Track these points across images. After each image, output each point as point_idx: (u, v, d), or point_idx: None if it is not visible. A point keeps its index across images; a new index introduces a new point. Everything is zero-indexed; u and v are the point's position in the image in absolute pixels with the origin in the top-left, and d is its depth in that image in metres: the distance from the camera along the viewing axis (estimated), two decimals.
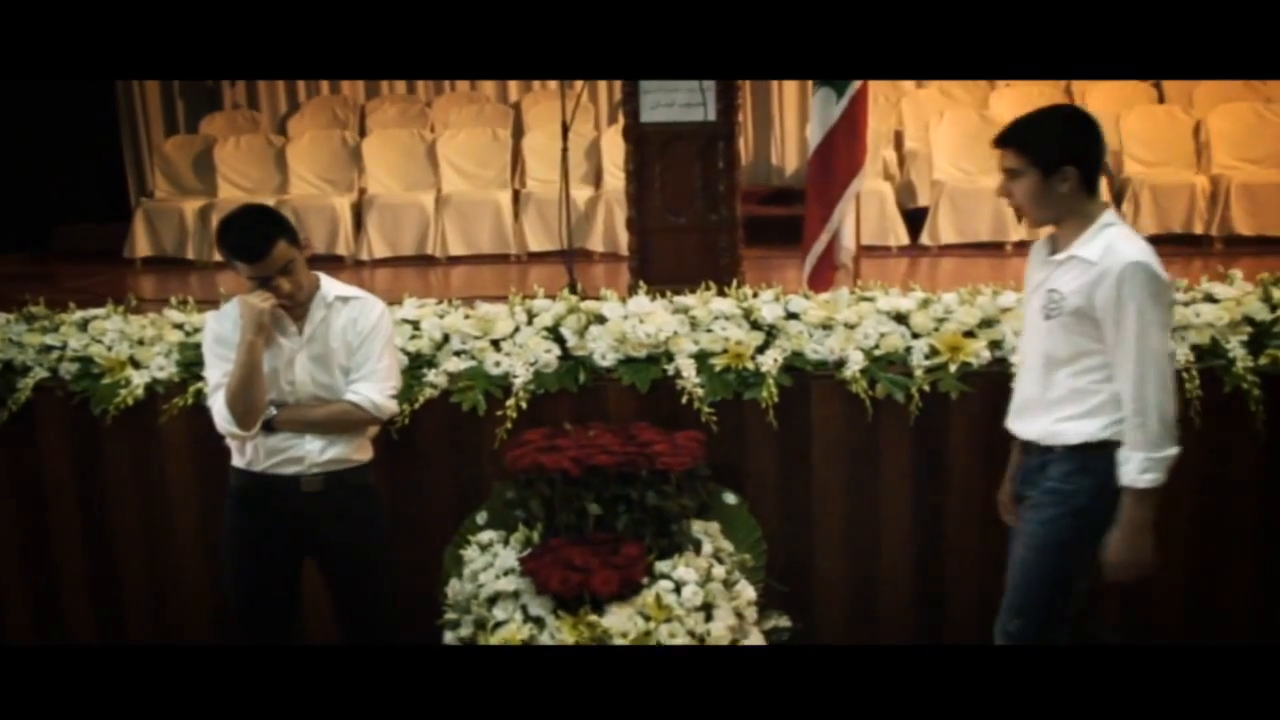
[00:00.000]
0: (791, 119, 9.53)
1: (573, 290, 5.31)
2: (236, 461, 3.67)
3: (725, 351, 4.35)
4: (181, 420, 4.37)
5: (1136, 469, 3.06)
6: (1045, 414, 3.21)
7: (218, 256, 3.59)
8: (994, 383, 4.19)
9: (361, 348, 3.63)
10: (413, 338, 4.47)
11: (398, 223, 8.28)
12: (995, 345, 4.31)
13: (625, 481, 3.95)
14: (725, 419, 4.23)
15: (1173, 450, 3.06)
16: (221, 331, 3.58)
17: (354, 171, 8.66)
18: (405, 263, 8.20)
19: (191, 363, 4.40)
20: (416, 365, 4.39)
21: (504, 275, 7.68)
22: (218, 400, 3.54)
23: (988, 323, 4.39)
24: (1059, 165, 3.06)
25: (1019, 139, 3.13)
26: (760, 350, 4.34)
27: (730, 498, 4.24)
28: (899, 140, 9.03)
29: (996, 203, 7.81)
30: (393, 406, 3.72)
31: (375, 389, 3.63)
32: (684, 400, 4.25)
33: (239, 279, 3.52)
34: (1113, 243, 3.04)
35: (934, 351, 4.25)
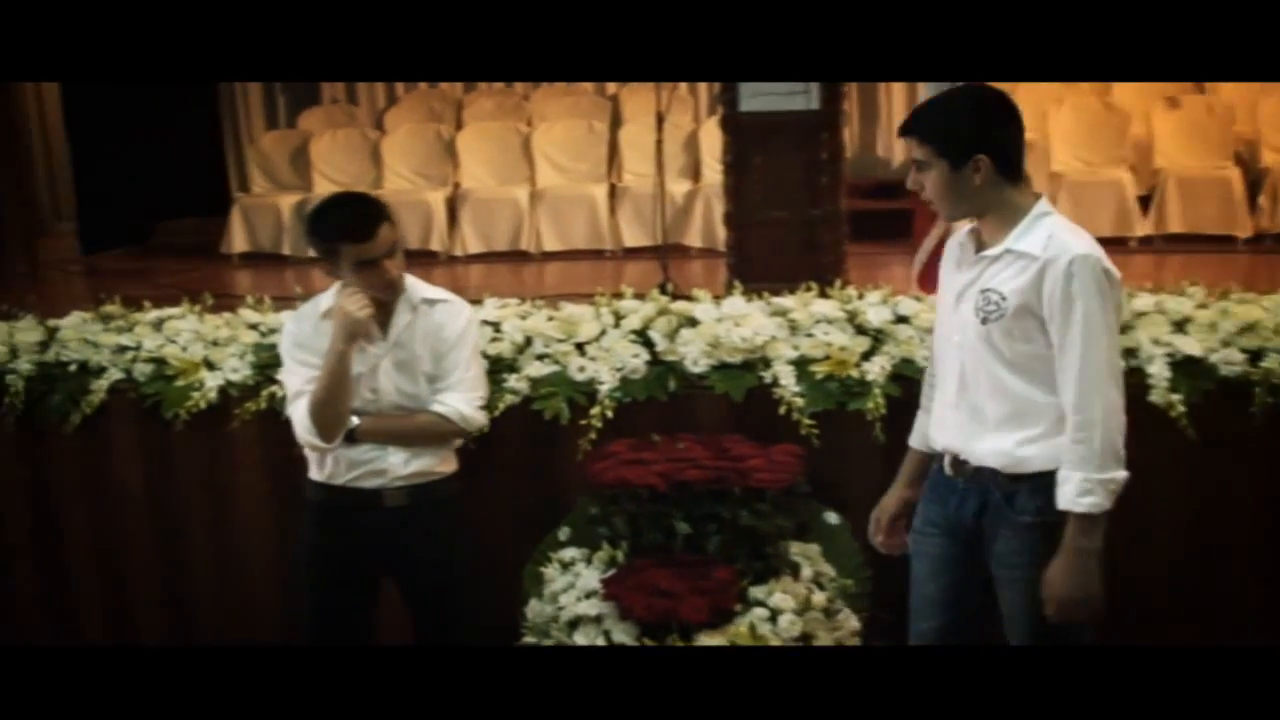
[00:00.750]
0: (900, 107, 9.07)
1: (665, 290, 4.98)
2: (314, 474, 3.41)
3: (827, 358, 4.02)
4: (254, 425, 4.15)
5: (1075, 490, 2.63)
6: (997, 434, 2.76)
7: (313, 252, 3.28)
8: (1130, 396, 3.73)
9: (449, 355, 3.37)
10: (493, 340, 4.17)
11: (492, 218, 8.03)
12: (1130, 353, 3.88)
13: (716, 499, 3.65)
14: (827, 432, 3.90)
15: (1119, 473, 2.65)
16: (301, 334, 3.34)
17: (448, 166, 8.42)
18: (499, 259, 7.95)
19: (266, 364, 4.17)
20: (496, 370, 4.10)
21: (598, 272, 7.40)
22: (299, 409, 3.29)
23: (1122, 328, 3.95)
24: (969, 154, 2.69)
25: (922, 127, 2.75)
26: (866, 357, 4.00)
27: (832, 518, 3.89)
28: None
29: (1120, 196, 7.47)
30: (481, 418, 3.48)
31: (463, 399, 3.38)
32: (781, 411, 3.94)
33: (325, 278, 3.33)
34: (1054, 233, 2.66)
35: None
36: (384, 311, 3.30)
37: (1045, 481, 2.70)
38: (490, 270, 7.67)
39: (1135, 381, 3.84)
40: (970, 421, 2.80)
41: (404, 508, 3.37)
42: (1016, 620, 2.83)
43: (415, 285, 3.38)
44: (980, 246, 2.80)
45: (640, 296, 4.42)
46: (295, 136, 8.83)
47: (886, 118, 9.13)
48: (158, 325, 4.43)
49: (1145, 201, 7.59)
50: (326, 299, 3.35)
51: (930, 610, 2.98)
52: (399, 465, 3.34)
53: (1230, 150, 7.83)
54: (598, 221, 7.96)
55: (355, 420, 3.30)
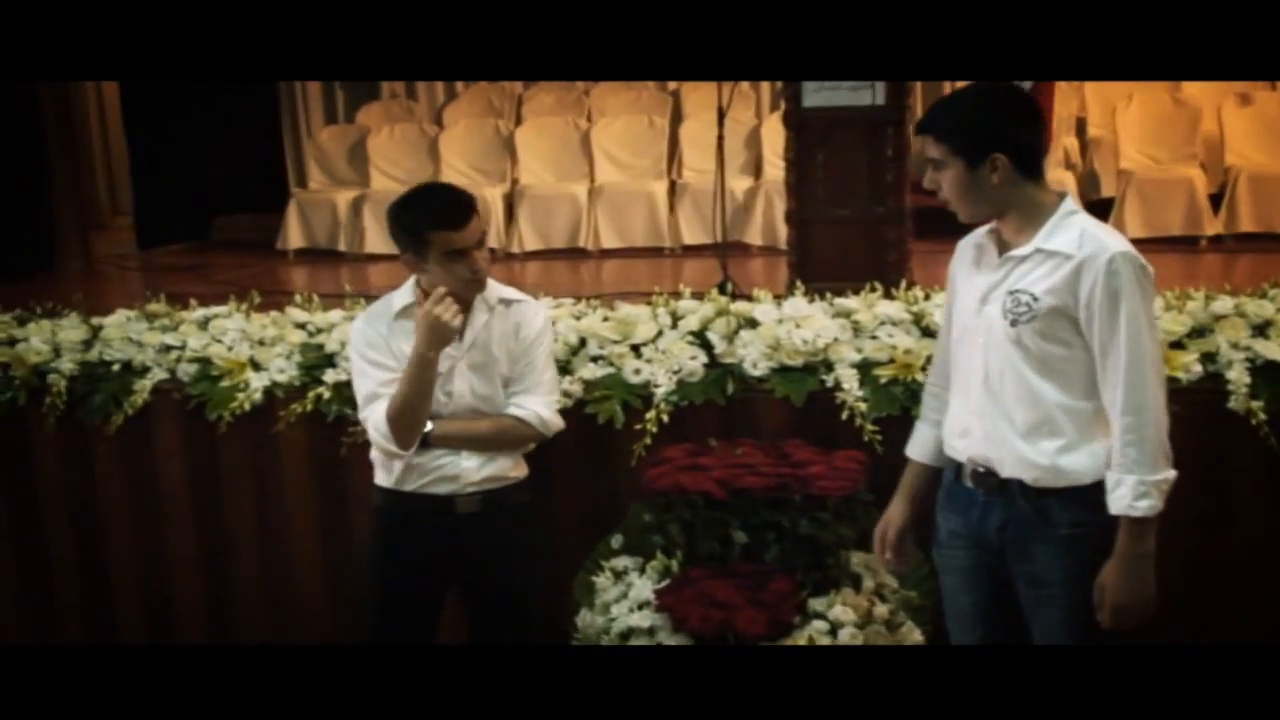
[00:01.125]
0: None
1: (723, 290, 4.83)
2: (381, 480, 3.31)
3: (892, 361, 3.86)
4: (300, 426, 4.04)
5: (1131, 494, 2.52)
6: (1027, 443, 2.63)
7: (369, 248, 3.24)
8: (1207, 403, 3.60)
9: (525, 356, 3.30)
10: None
11: (549, 214, 7.88)
12: (1209, 358, 3.68)
13: (776, 507, 3.50)
14: (890, 437, 3.69)
15: (1170, 473, 2.55)
16: (373, 335, 3.23)
17: (506, 162, 8.29)
18: (556, 256, 7.82)
19: (313, 365, 4.08)
20: None
21: (658, 269, 7.27)
22: (375, 413, 3.18)
23: (1198, 332, 3.77)
24: (985, 153, 2.58)
25: (937, 125, 2.64)
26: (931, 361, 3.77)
27: None
28: (1081, 126, 8.31)
29: (1191, 194, 7.21)
30: (559, 422, 3.39)
31: (541, 402, 3.30)
32: (844, 416, 3.79)
33: (395, 273, 3.28)
34: (1087, 231, 2.57)
35: None
36: (461, 311, 3.19)
37: (1079, 491, 2.60)
38: (547, 268, 7.54)
39: (1213, 388, 3.67)
40: (996, 430, 2.68)
41: (477, 514, 3.27)
42: (1058, 637, 2.69)
43: (492, 285, 3.28)
44: (1003, 247, 2.68)
45: (699, 296, 4.27)
46: (353, 132, 8.74)
47: None
48: (203, 324, 4.33)
49: (1216, 200, 7.35)
50: (401, 297, 3.25)
51: (971, 622, 2.88)
52: (472, 470, 3.25)
53: None
54: (657, 219, 7.80)
55: (429, 424, 3.19)
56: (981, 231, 2.77)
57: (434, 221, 3.09)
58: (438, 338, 3.08)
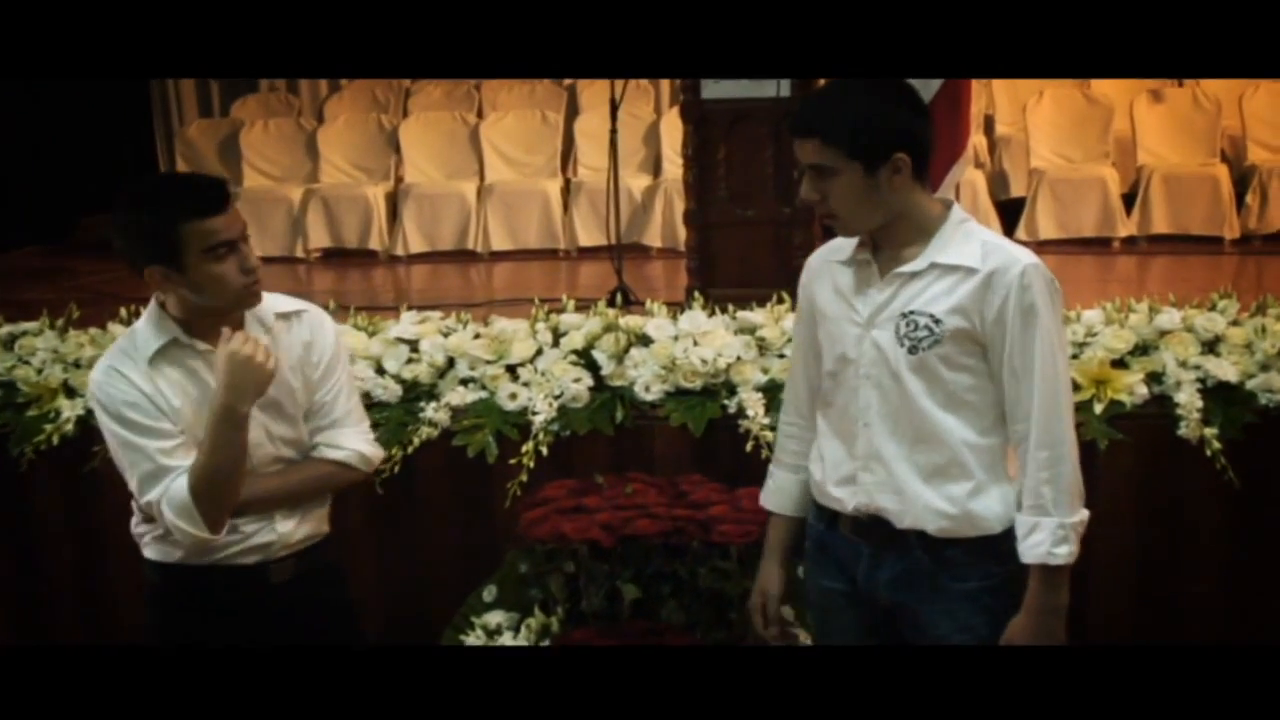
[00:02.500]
0: None
1: (615, 299, 4.29)
2: (159, 554, 2.53)
3: None
4: None
5: (1050, 540, 2.19)
6: (929, 488, 2.26)
7: (132, 252, 2.44)
8: (1155, 430, 3.14)
9: (325, 380, 2.56)
10: (409, 362, 3.46)
11: (436, 214, 7.31)
12: (1155, 379, 3.23)
13: (672, 555, 3.07)
14: None
15: (1085, 514, 2.24)
16: (130, 392, 2.39)
17: (390, 158, 7.71)
18: (444, 258, 7.25)
19: None
20: (413, 397, 3.40)
21: (552, 273, 6.80)
22: (169, 493, 2.39)
23: (1142, 349, 3.31)
24: (886, 154, 2.18)
25: (825, 126, 2.19)
26: None
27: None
28: (989, 124, 7.97)
29: (1104, 194, 6.90)
30: (380, 453, 2.70)
31: (358, 436, 2.60)
32: (749, 447, 3.29)
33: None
34: (991, 242, 2.23)
35: (1074, 386, 3.15)
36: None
37: (989, 540, 2.27)
38: (434, 271, 7.00)
39: (1160, 412, 3.23)
40: (893, 475, 2.29)
41: (291, 582, 2.57)
42: None
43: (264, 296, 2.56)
44: (882, 262, 2.27)
45: (586, 307, 3.73)
46: (225, 126, 8.10)
47: None
48: (9, 343, 3.67)
49: (1129, 200, 7.06)
50: (150, 334, 2.44)
51: None
52: (289, 533, 2.54)
53: (1217, 147, 7.33)
54: (551, 219, 7.29)
55: None
56: (847, 246, 2.32)
57: (187, 208, 2.33)
58: (250, 386, 2.38)
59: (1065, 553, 2.18)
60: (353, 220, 7.23)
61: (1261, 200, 6.88)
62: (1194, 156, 7.22)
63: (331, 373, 2.58)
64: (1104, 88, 7.64)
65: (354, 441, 2.59)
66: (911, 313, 2.22)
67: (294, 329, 2.55)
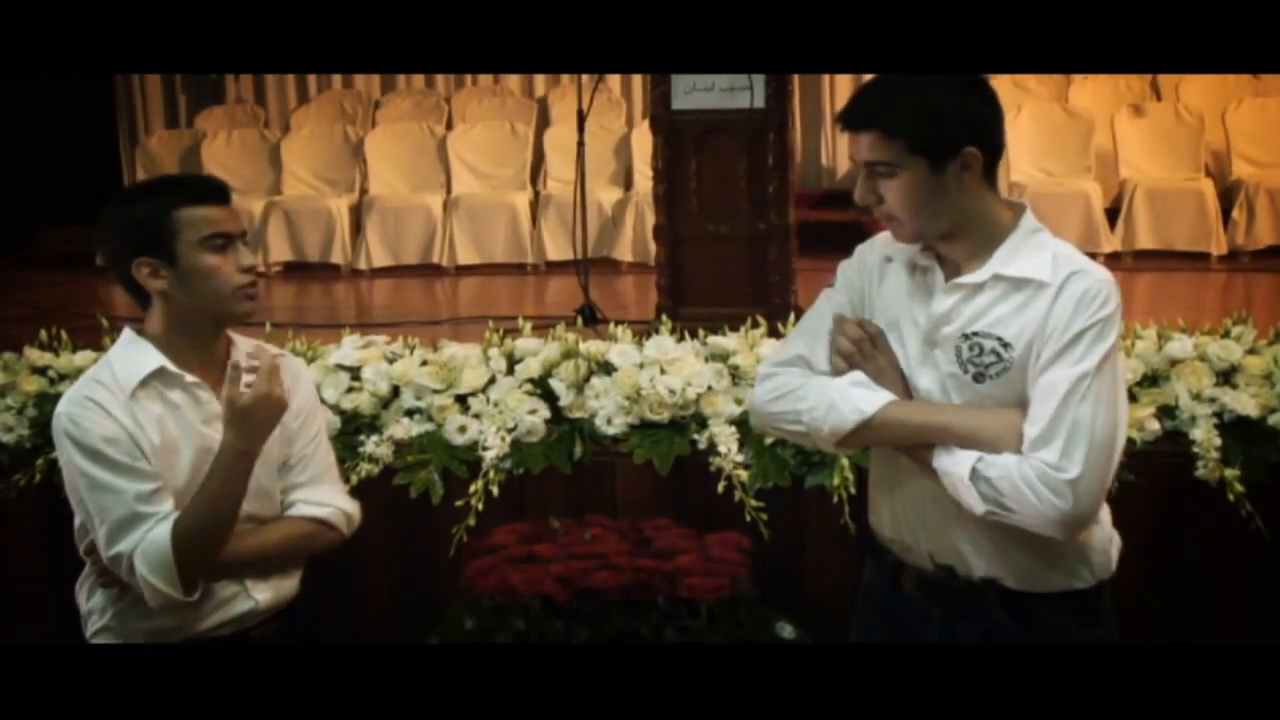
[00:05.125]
0: None
1: (584, 314, 3.91)
2: (107, 633, 2.18)
3: None
4: (28, 502, 2.99)
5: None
6: (1006, 529, 1.85)
7: (120, 257, 2.10)
8: (1168, 470, 2.76)
9: (304, 431, 2.27)
10: (350, 391, 3.06)
11: (401, 227, 6.91)
12: (1166, 413, 2.85)
13: (634, 612, 2.67)
14: (780, 515, 2.88)
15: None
16: (109, 425, 2.07)
17: (355, 170, 7.30)
18: (408, 273, 6.86)
19: (48, 422, 3.01)
20: (354, 430, 3.00)
21: (519, 288, 6.44)
22: (149, 544, 2.05)
23: (1151, 379, 2.94)
24: (955, 149, 1.83)
25: (886, 116, 1.85)
26: None
27: (787, 631, 2.82)
28: None
29: (1087, 209, 6.59)
30: (359, 514, 2.33)
31: (338, 493, 2.30)
32: (720, 487, 2.89)
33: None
34: (1065, 254, 1.87)
35: None
36: (211, 371, 2.16)
37: (1078, 595, 1.92)
38: (398, 286, 6.60)
39: (1173, 449, 2.85)
40: (961, 514, 1.88)
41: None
42: None
43: (239, 339, 2.24)
44: (947, 274, 1.92)
45: (549, 326, 3.33)
46: (187, 137, 7.70)
47: (831, 121, 8.14)
48: None
49: (1112, 216, 6.74)
50: (135, 361, 2.13)
51: None
52: (265, 600, 2.20)
53: (1200, 161, 7.01)
54: (519, 233, 6.91)
55: None
56: (907, 247, 1.94)
57: (183, 195, 2.10)
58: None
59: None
60: (315, 233, 6.84)
61: (1249, 215, 6.58)
62: (1177, 171, 6.92)
63: (310, 424, 2.28)
64: (1083, 100, 7.37)
65: (333, 497, 2.27)
66: (975, 334, 1.87)
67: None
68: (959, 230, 1.87)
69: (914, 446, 1.89)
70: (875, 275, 1.99)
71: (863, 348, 1.95)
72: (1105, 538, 1.94)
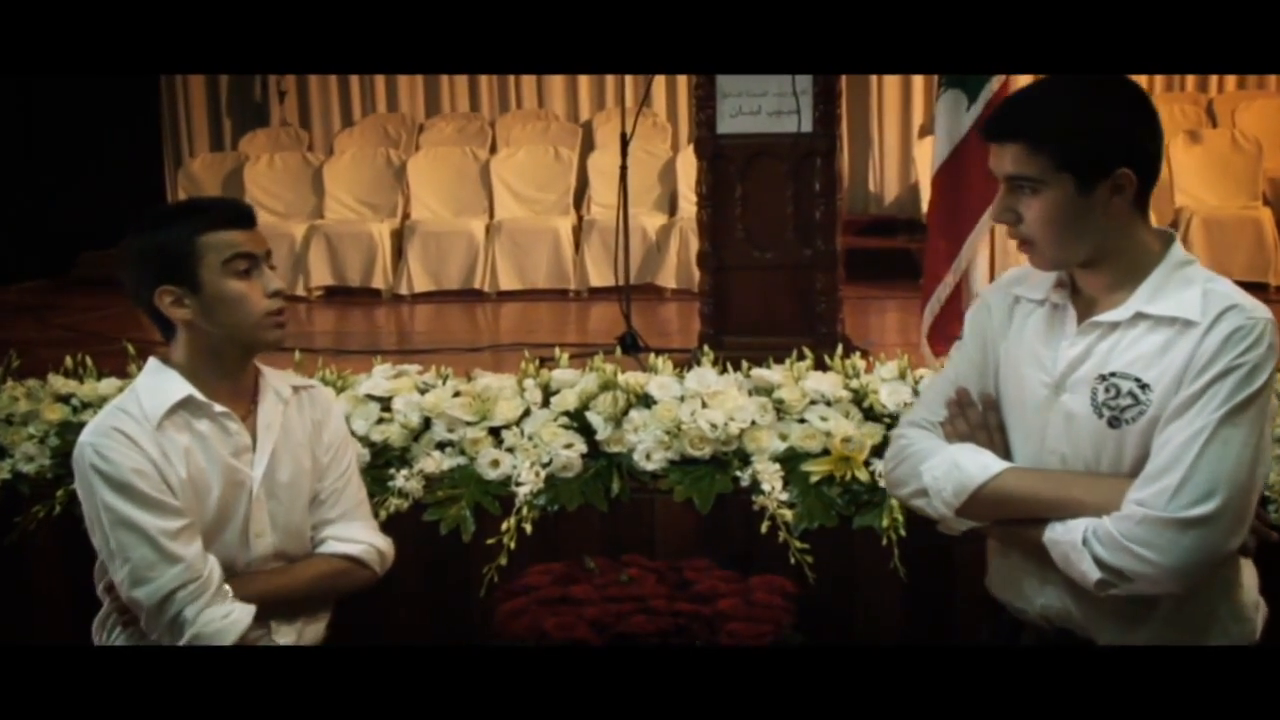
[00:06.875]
0: (892, 135, 8.05)
1: (627, 343, 3.78)
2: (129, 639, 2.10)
3: (826, 453, 2.82)
4: (48, 534, 2.89)
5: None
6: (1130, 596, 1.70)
7: (143, 281, 2.02)
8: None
9: (335, 465, 2.19)
10: (380, 422, 2.94)
11: (443, 253, 6.82)
12: None
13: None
14: (826, 558, 2.70)
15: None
16: (137, 458, 1.96)
17: (397, 194, 7.22)
18: (449, 298, 6.75)
19: (69, 453, 2.92)
20: (383, 463, 2.88)
21: (561, 315, 6.31)
22: (225, 628, 1.98)
23: None
24: (1108, 168, 1.68)
25: (1034, 128, 1.71)
26: (878, 453, 2.75)
27: None
28: None
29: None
30: (392, 551, 2.26)
31: (372, 530, 2.24)
32: (764, 527, 2.73)
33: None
34: (1218, 290, 1.70)
35: None
36: (240, 401, 2.08)
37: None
38: (439, 311, 6.49)
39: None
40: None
41: None
42: None
43: (267, 369, 2.17)
44: (1081, 309, 1.77)
45: (589, 355, 3.20)
46: (230, 159, 7.66)
47: (879, 147, 8.03)
48: None
49: None
50: (161, 390, 2.03)
51: None
52: (286, 644, 2.10)
53: (1259, 189, 6.81)
54: (561, 258, 6.80)
55: (226, 587, 2.03)
56: (1041, 280, 1.81)
57: (205, 220, 2.00)
58: None
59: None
60: (356, 258, 6.76)
61: None
62: (1234, 199, 6.71)
63: (341, 458, 2.20)
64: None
65: (366, 534, 2.19)
66: (1112, 375, 1.72)
67: (306, 405, 2.18)
68: (1101, 259, 1.72)
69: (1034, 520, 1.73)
70: (1003, 319, 1.85)
71: (978, 437, 1.82)
72: (1250, 604, 1.75)
